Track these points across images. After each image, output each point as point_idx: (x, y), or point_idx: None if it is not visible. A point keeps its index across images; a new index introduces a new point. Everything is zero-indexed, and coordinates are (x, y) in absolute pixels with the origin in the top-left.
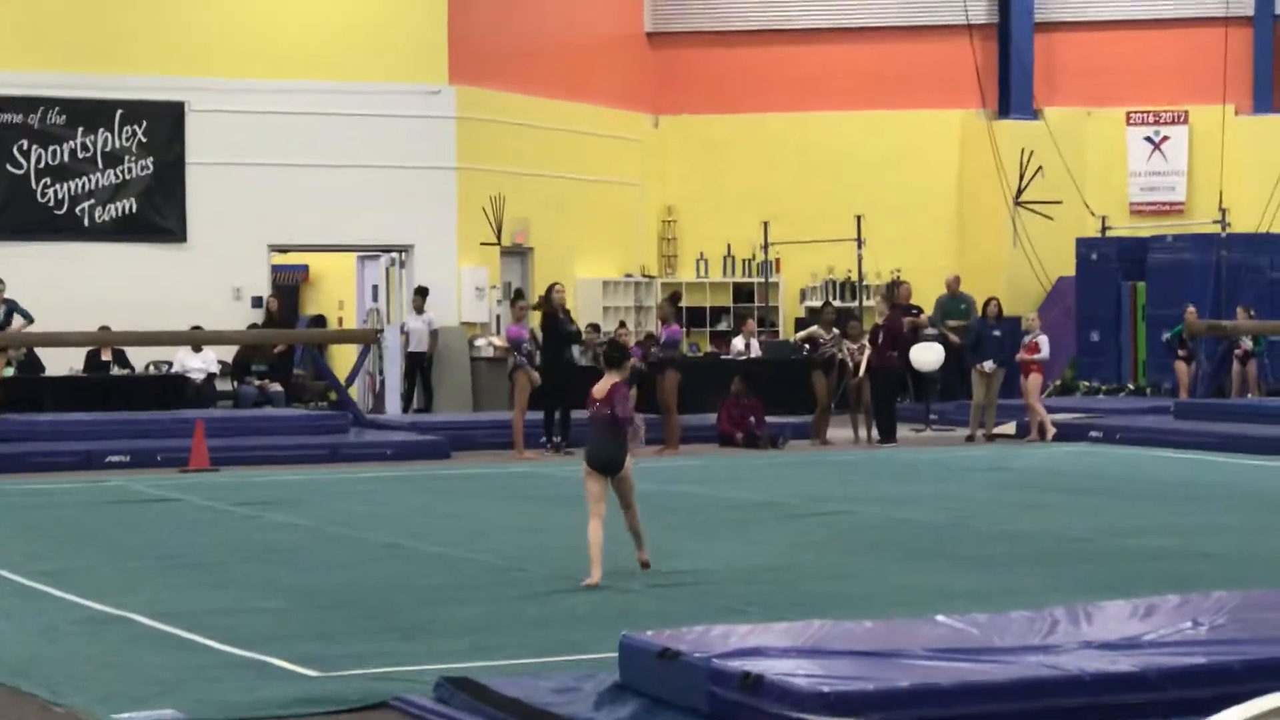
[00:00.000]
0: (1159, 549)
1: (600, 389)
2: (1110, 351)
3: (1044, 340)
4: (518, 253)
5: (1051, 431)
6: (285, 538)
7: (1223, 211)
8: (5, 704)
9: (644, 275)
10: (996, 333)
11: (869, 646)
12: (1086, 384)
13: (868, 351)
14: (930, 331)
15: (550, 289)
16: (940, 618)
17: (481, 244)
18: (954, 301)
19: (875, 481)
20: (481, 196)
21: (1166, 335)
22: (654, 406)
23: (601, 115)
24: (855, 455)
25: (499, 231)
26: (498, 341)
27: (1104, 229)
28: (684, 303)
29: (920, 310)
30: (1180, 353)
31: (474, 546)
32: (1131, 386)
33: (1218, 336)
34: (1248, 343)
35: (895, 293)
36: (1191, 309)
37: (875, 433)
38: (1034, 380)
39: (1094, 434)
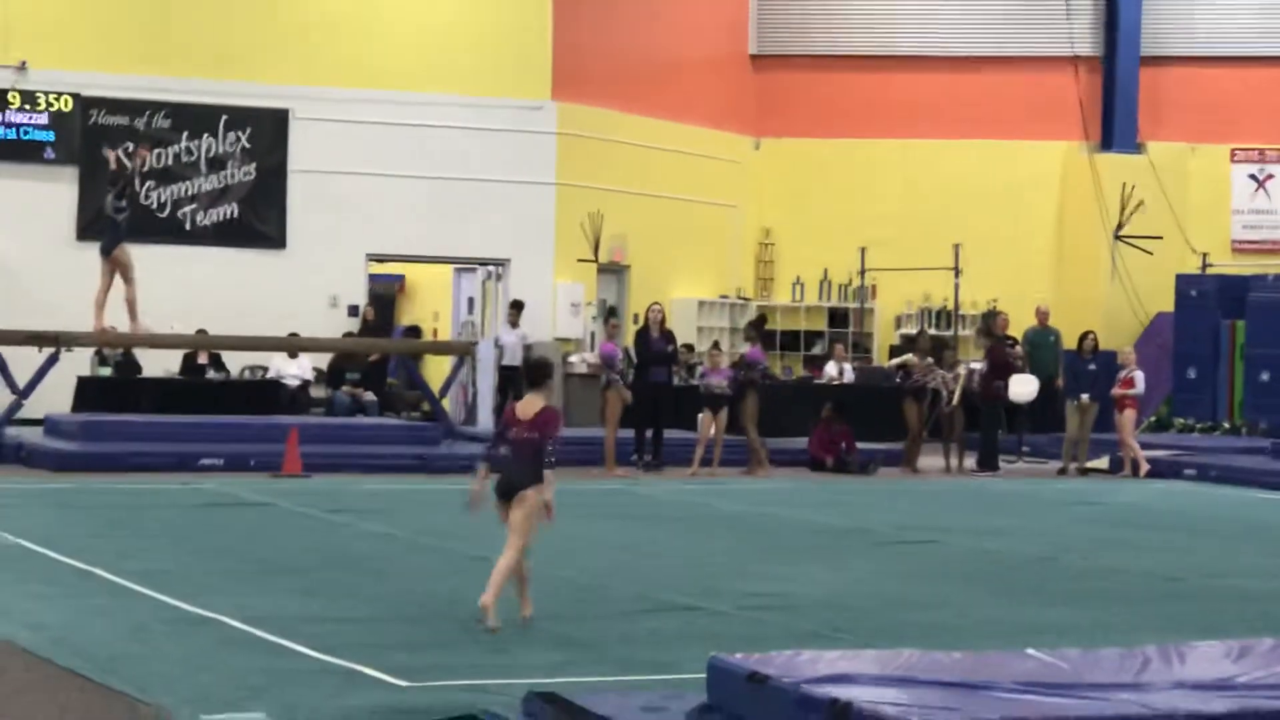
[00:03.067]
0: (1252, 590)
1: (525, 410)
2: (1206, 389)
3: (1139, 375)
4: (614, 270)
5: (1145, 468)
6: (376, 546)
7: None
8: (95, 701)
9: (739, 297)
10: (1092, 366)
11: (958, 677)
12: (1182, 421)
13: (961, 380)
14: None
15: (649, 309)
16: (1030, 651)
17: (578, 260)
18: (1042, 333)
19: (966, 511)
20: (580, 213)
21: None
22: (737, 428)
23: (702, 135)
24: (946, 484)
25: (596, 248)
26: (591, 358)
27: (1204, 266)
28: (779, 326)
29: (1016, 341)
30: None
31: (562, 562)
32: (1227, 425)
33: None
34: None
35: (993, 323)
36: None
37: (969, 462)
38: (1128, 415)
39: (1188, 472)
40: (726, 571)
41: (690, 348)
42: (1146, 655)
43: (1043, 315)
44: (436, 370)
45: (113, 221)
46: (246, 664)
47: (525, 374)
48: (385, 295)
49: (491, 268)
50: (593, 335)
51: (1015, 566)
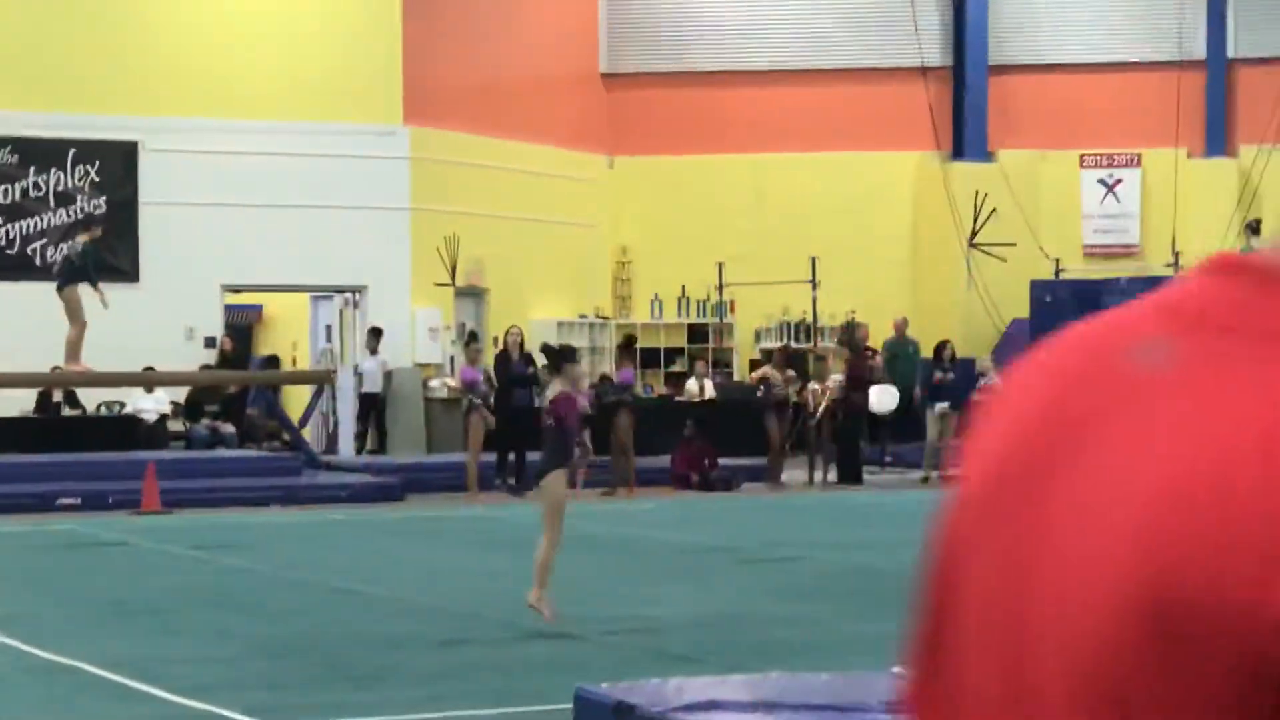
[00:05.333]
0: None
1: (549, 396)
2: None
3: (999, 383)
4: (472, 294)
5: None
6: (238, 582)
7: (1176, 254)
8: None
9: (599, 316)
10: (950, 375)
11: (826, 700)
12: None
13: (831, 393)
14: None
15: (508, 332)
16: (898, 670)
17: (436, 285)
18: (901, 344)
19: (831, 525)
20: (436, 237)
21: None
22: (608, 448)
23: (556, 156)
24: (811, 498)
25: (453, 272)
26: (452, 383)
27: (1058, 271)
28: (638, 345)
29: (876, 352)
30: None
31: (429, 592)
32: None
33: None
34: None
35: (852, 335)
36: None
37: (833, 474)
38: None
39: None
40: (594, 596)
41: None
42: None
43: (900, 326)
44: (297, 400)
45: None
46: (105, 711)
47: (547, 359)
48: (242, 326)
49: (348, 295)
50: (452, 360)
51: (882, 580)
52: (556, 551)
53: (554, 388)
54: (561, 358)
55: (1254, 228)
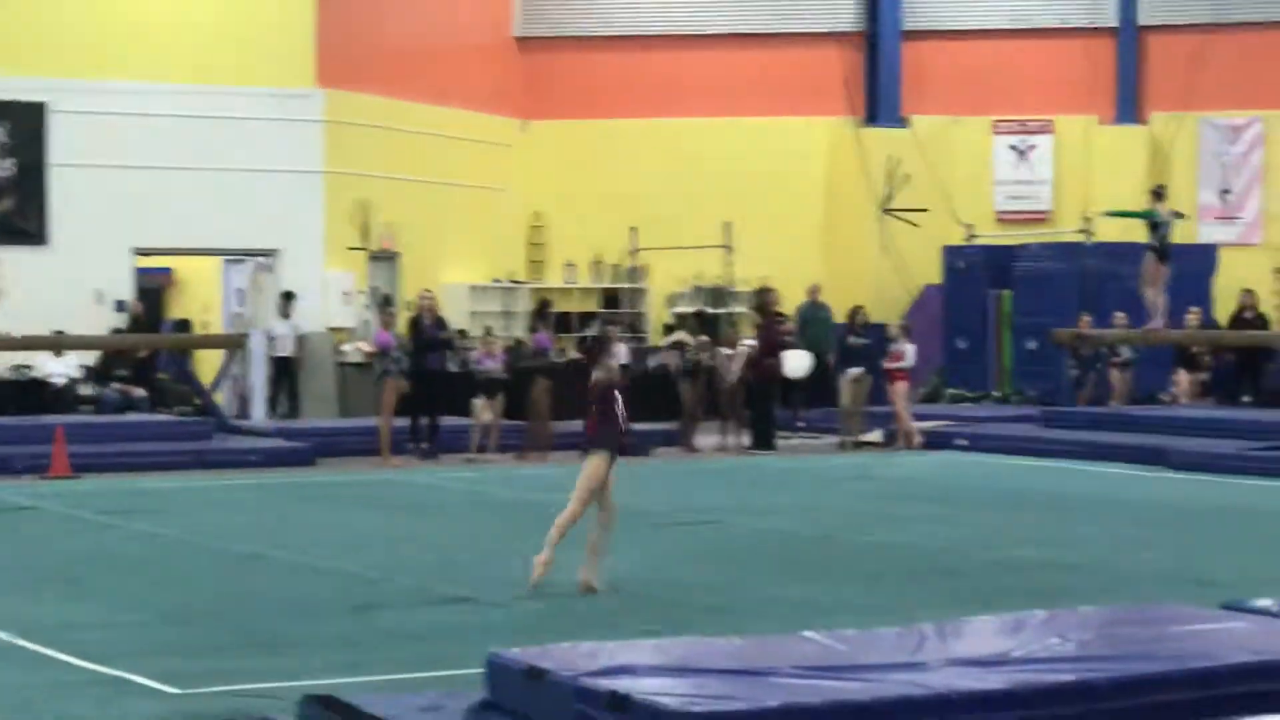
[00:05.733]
0: (1026, 560)
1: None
2: (976, 359)
3: (909, 348)
4: (385, 258)
5: (917, 439)
6: (147, 548)
7: (1087, 220)
8: None
9: (512, 281)
10: (862, 340)
11: (738, 664)
12: (953, 391)
13: (744, 358)
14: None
15: (421, 296)
16: (809, 634)
17: (348, 249)
18: (814, 309)
19: (743, 490)
20: (349, 201)
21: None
22: (523, 414)
23: (469, 120)
24: (723, 463)
25: (366, 236)
26: (365, 347)
27: (970, 237)
28: (553, 309)
29: (786, 318)
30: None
31: (341, 557)
32: (997, 394)
33: (1088, 346)
34: (1127, 351)
35: (764, 300)
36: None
37: (746, 439)
38: (900, 388)
39: (960, 442)
40: (506, 561)
41: (463, 333)
42: (923, 633)
43: (814, 291)
44: (208, 364)
45: None
46: (11, 678)
47: (583, 350)
48: (153, 289)
49: (261, 259)
50: (366, 324)
51: (794, 545)
52: (573, 523)
53: (597, 375)
54: (598, 349)
55: (1158, 193)
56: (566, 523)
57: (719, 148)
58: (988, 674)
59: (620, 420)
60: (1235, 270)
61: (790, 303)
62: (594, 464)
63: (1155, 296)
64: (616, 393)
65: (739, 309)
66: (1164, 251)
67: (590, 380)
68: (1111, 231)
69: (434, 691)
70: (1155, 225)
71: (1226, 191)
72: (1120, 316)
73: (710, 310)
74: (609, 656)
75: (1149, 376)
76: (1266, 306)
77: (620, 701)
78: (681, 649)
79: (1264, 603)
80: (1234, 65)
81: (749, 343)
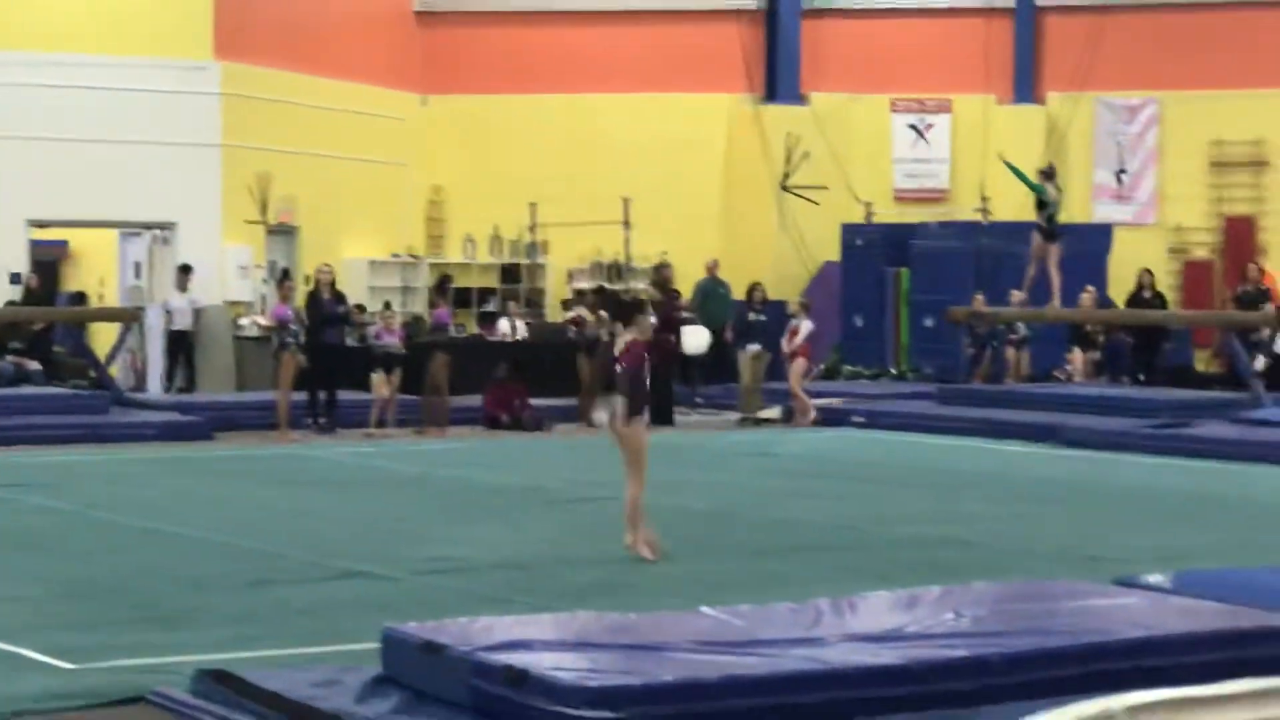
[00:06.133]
0: (921, 536)
1: (619, 346)
2: (873, 336)
3: (807, 325)
4: (283, 232)
5: (813, 416)
6: (41, 522)
7: (984, 199)
8: None
9: (411, 256)
10: (761, 317)
11: (634, 640)
12: (850, 368)
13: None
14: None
15: (318, 270)
16: (705, 609)
17: (246, 222)
18: (713, 285)
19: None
20: (247, 174)
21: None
22: (421, 389)
23: (369, 94)
24: None
25: (264, 210)
26: (263, 321)
27: (869, 215)
28: (452, 284)
29: (678, 294)
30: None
31: (238, 532)
32: (894, 371)
33: (984, 324)
34: (1024, 329)
35: (662, 276)
36: (979, 297)
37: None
38: (798, 365)
39: (857, 419)
40: (404, 536)
41: (362, 308)
42: (819, 609)
43: (713, 267)
44: (105, 337)
45: None
46: None
47: (613, 312)
48: (48, 262)
49: (158, 232)
50: (264, 298)
51: (692, 521)
52: (643, 491)
53: (624, 338)
54: (635, 309)
55: (1048, 173)
56: (637, 498)
57: (619, 124)
58: (883, 649)
59: (645, 380)
60: (1130, 250)
61: (689, 279)
62: (640, 433)
63: (1052, 274)
64: (647, 355)
65: (638, 285)
66: (1052, 231)
67: (627, 341)
68: (1008, 211)
69: (329, 666)
70: (1043, 204)
71: (1122, 171)
72: (1017, 295)
73: (609, 286)
74: (505, 631)
75: (1045, 354)
76: (1163, 286)
77: (517, 676)
78: (578, 624)
79: (1155, 578)
80: (1130, 46)
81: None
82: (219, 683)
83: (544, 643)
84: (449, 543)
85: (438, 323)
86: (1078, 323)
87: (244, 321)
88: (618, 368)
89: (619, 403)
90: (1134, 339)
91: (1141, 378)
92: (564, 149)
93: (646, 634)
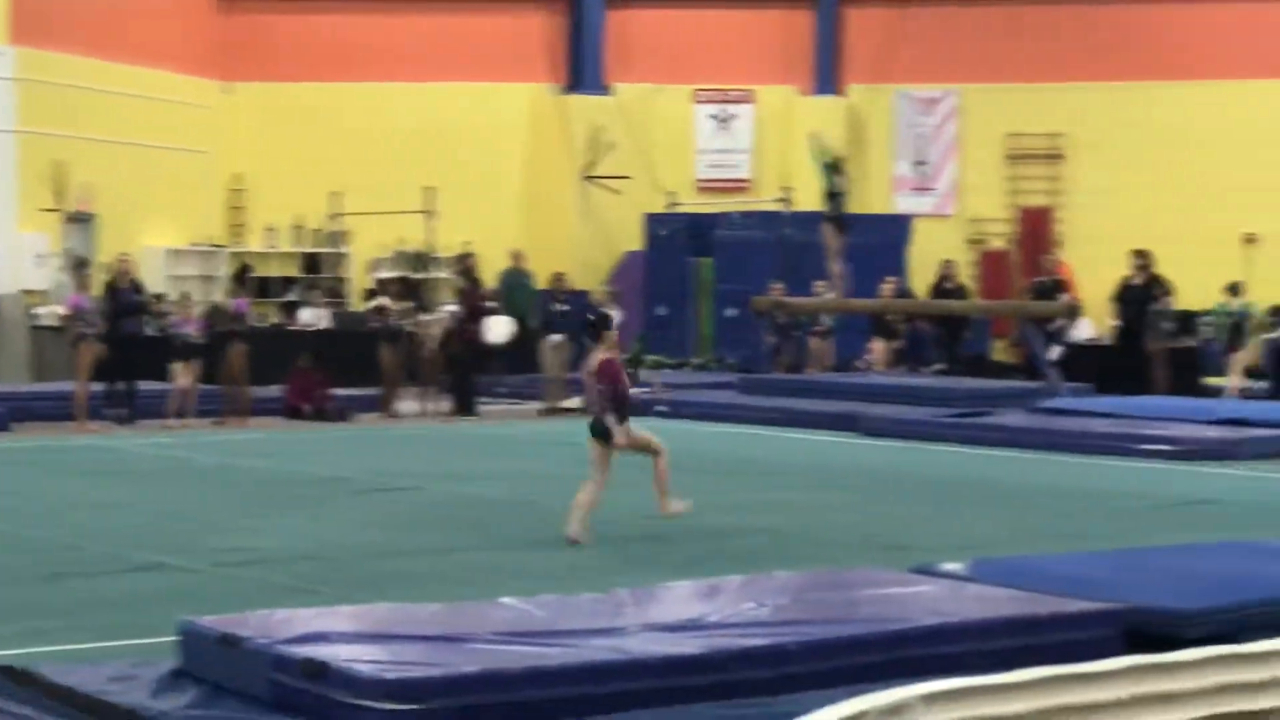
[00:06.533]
0: (723, 526)
1: (591, 362)
2: (676, 326)
3: (614, 315)
4: (81, 220)
5: None
6: None
7: (786, 190)
8: None
9: (211, 245)
10: (564, 306)
11: (435, 630)
12: (654, 358)
13: (442, 324)
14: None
15: (117, 259)
16: (507, 600)
17: (42, 210)
18: (518, 274)
19: (445, 456)
20: (44, 161)
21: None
22: (216, 379)
23: (169, 81)
24: (424, 429)
25: (61, 198)
26: (60, 310)
27: (672, 205)
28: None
29: (482, 285)
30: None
31: (34, 524)
32: (697, 361)
33: (785, 313)
34: (828, 320)
35: (466, 266)
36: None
37: (447, 405)
38: None
39: (660, 408)
40: (203, 527)
41: (160, 297)
42: (620, 599)
43: (518, 257)
44: None
45: None
46: None
47: (587, 330)
48: None
49: None
50: (60, 286)
51: (494, 511)
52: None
53: (596, 354)
54: (603, 325)
55: (837, 167)
56: (594, 499)
57: (422, 113)
58: (683, 639)
59: (625, 393)
60: (929, 240)
61: (493, 269)
62: (634, 434)
63: (834, 264)
64: (619, 366)
65: (441, 274)
66: (841, 221)
67: (600, 359)
68: (810, 201)
69: (126, 661)
70: (833, 196)
71: (921, 163)
72: (821, 285)
73: (412, 275)
74: (305, 624)
75: (846, 344)
76: (961, 276)
77: (316, 669)
78: (379, 616)
79: (952, 566)
80: (929, 39)
81: (449, 308)
82: (11, 679)
83: (344, 635)
84: (250, 534)
85: (236, 312)
86: (878, 313)
87: (41, 311)
88: (598, 386)
89: (610, 419)
90: (936, 329)
91: (940, 367)
92: (367, 138)
93: (448, 625)
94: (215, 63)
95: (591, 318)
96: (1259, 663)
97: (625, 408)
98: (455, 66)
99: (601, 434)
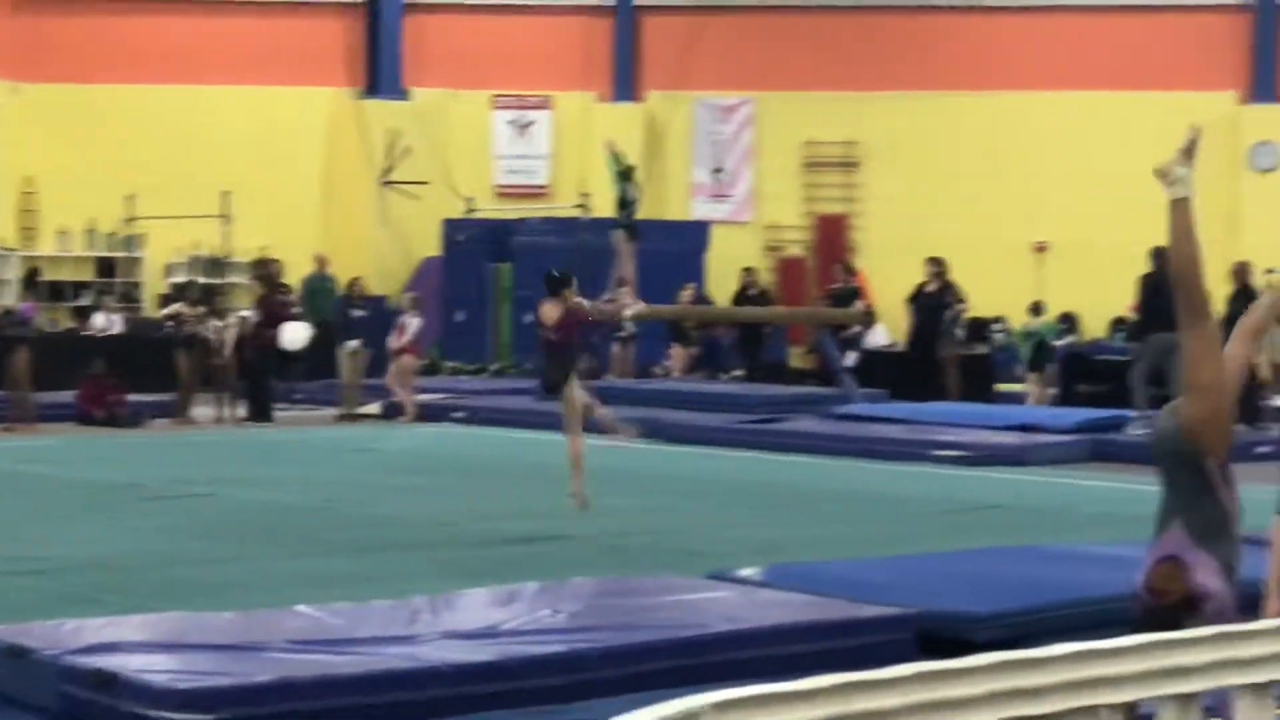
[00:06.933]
0: (520, 532)
1: (547, 316)
2: (475, 332)
3: (416, 322)
4: None
5: (412, 412)
6: None
7: (584, 196)
8: None
9: (2, 248)
10: (362, 312)
11: (229, 639)
12: (452, 364)
13: (235, 329)
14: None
15: None
16: (302, 608)
17: None
18: (320, 279)
19: (241, 462)
20: None
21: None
22: (3, 385)
23: None
24: (220, 435)
25: None
26: None
27: (470, 210)
28: (44, 277)
29: (289, 289)
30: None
31: None
32: (495, 367)
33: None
34: (630, 326)
35: (266, 271)
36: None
37: (243, 411)
38: (404, 361)
39: (457, 414)
40: None
41: None
42: (416, 606)
43: (320, 261)
44: None
45: None
46: None
47: (544, 284)
48: None
49: None
50: None
51: (290, 517)
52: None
53: (552, 308)
54: (563, 284)
55: (628, 174)
56: (578, 452)
57: (218, 116)
58: (479, 646)
59: (578, 345)
60: (727, 247)
61: (294, 273)
62: (572, 391)
63: (628, 272)
64: (581, 317)
65: (238, 279)
66: (633, 229)
67: (560, 312)
68: (608, 207)
69: None
70: (623, 203)
71: (719, 170)
72: (624, 291)
73: (208, 280)
74: (95, 634)
75: (645, 350)
76: (764, 283)
77: (106, 679)
78: (171, 625)
79: (747, 572)
80: (727, 47)
81: (245, 313)
82: None
83: (135, 644)
84: (39, 542)
85: (21, 316)
86: (677, 319)
87: None
88: (551, 338)
89: (552, 372)
90: (738, 336)
91: (738, 373)
92: (162, 141)
93: (241, 634)
94: (5, 62)
95: (555, 273)
96: (1046, 667)
97: (574, 360)
98: (252, 70)
99: (553, 388)
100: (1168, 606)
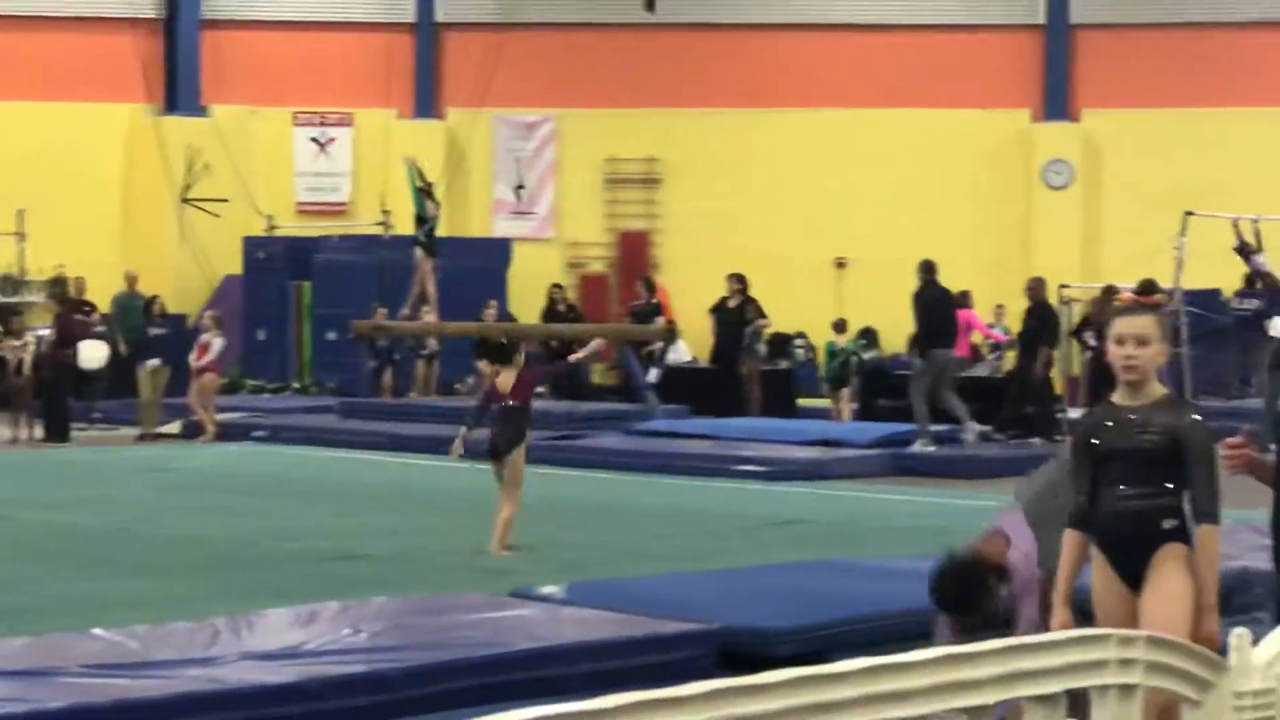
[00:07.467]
0: (322, 552)
1: (504, 385)
2: (276, 350)
3: (219, 342)
4: None
5: (212, 431)
6: None
7: (385, 213)
8: None
9: None
10: (161, 330)
11: (22, 665)
12: (253, 382)
13: (30, 348)
14: (100, 329)
15: None
16: (98, 631)
17: None
18: (131, 298)
19: (37, 484)
20: None
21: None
22: None
23: None
24: (15, 455)
25: None
26: None
27: (271, 228)
28: None
29: (93, 308)
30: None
31: None
32: (297, 385)
33: (386, 336)
34: (434, 344)
35: (65, 290)
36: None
37: (40, 431)
38: (206, 380)
39: (258, 433)
40: None
41: None
42: (216, 627)
43: (132, 280)
44: None
45: None
46: None
47: (493, 355)
48: None
49: None
50: None
51: (88, 539)
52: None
53: (508, 376)
54: (513, 351)
55: (427, 191)
56: (508, 519)
57: (12, 133)
58: (280, 667)
59: (530, 413)
60: (529, 264)
61: (98, 292)
62: (519, 459)
63: (429, 289)
64: (533, 386)
65: (34, 298)
66: (432, 246)
67: (514, 380)
68: (408, 224)
69: None
70: (422, 220)
71: (520, 187)
72: (426, 309)
73: (4, 300)
74: None
75: (448, 367)
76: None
77: None
78: None
79: (550, 590)
80: (528, 64)
81: (39, 332)
82: None
83: None
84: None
85: None
86: (480, 337)
87: None
88: (509, 403)
89: (507, 435)
90: (547, 352)
91: (542, 389)
92: None
93: (35, 658)
94: None
95: (503, 341)
96: (843, 682)
97: (525, 429)
98: (47, 86)
99: (500, 454)
100: (984, 567)
